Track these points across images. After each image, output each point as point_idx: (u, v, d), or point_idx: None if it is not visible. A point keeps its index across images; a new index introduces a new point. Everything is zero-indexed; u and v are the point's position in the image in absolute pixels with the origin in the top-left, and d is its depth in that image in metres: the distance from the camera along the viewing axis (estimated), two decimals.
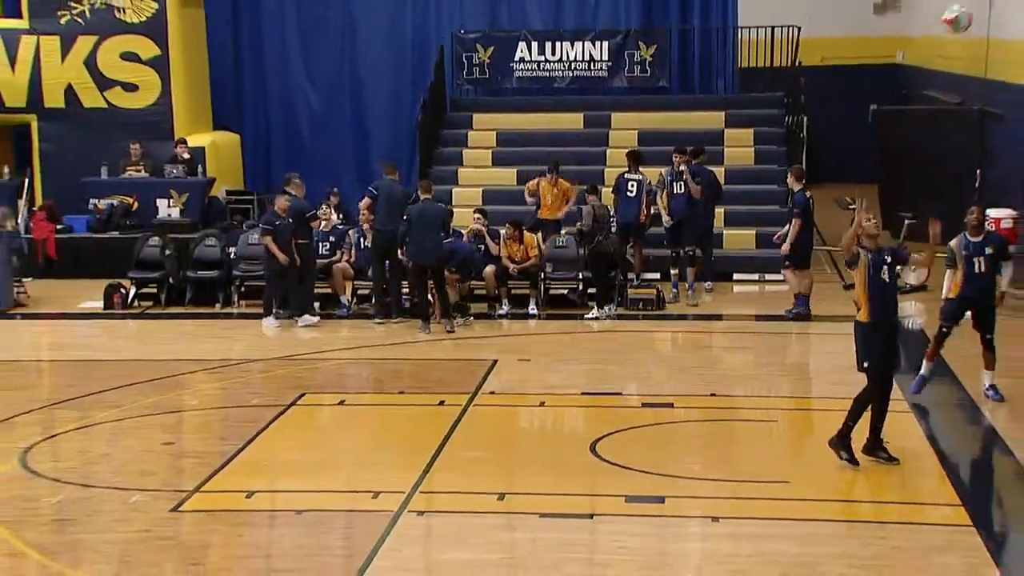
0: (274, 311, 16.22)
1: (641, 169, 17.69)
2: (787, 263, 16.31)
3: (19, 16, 21.26)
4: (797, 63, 22.30)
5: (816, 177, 25.80)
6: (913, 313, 16.64)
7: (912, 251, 11.48)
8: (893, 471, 10.20)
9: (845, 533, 9.02)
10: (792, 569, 8.29)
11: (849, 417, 10.22)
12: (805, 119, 21.36)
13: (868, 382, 10.25)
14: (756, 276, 18.67)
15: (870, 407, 10.22)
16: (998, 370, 12.25)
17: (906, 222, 18.72)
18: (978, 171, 20.38)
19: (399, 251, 15.85)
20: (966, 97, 21.84)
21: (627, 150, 18.54)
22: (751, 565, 8.37)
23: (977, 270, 11.97)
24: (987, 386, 12.22)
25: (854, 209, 18.44)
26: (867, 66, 28.28)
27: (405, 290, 16.45)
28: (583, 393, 13.08)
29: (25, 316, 17.25)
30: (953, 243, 12.16)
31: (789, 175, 16.76)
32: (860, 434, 10.26)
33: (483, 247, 16.72)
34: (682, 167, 17.26)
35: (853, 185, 22.29)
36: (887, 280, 10.25)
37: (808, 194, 16.18)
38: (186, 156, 20.62)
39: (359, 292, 17.13)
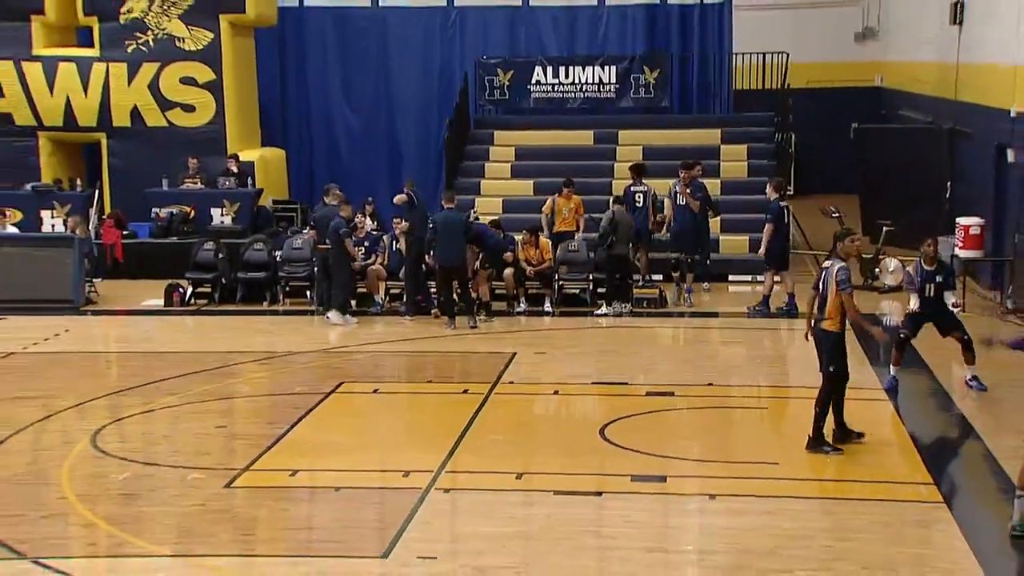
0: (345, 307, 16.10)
1: (644, 181, 17.63)
2: (768, 267, 16.39)
3: (91, 46, 21.31)
4: (786, 86, 22.25)
5: (803, 188, 25.82)
6: (890, 312, 16.53)
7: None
8: (871, 454, 10.14)
9: (830, 509, 8.97)
10: (783, 541, 8.25)
11: (817, 420, 10.15)
12: (793, 136, 21.34)
13: (829, 383, 10.16)
14: (749, 277, 18.58)
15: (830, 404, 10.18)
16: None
17: (884, 229, 18.61)
18: (948, 184, 20.29)
19: (427, 256, 15.83)
20: (938, 117, 21.72)
21: (630, 164, 18.48)
22: (746, 538, 8.32)
23: (927, 294, 12.17)
24: (969, 377, 12.13)
25: (837, 217, 18.60)
26: (849, 88, 28.17)
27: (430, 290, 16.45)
28: (593, 383, 13.05)
29: (95, 312, 17.27)
30: (910, 268, 12.50)
31: (768, 186, 16.79)
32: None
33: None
34: (687, 180, 17.13)
35: (836, 196, 22.21)
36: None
37: (783, 204, 16.28)
38: (237, 170, 20.64)
39: (391, 291, 17.10)
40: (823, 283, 10.15)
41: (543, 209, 17.99)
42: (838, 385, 10.20)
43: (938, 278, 12.17)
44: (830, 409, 10.19)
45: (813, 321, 10.29)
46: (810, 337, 10.37)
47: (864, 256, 18.30)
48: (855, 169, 23.52)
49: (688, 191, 16.96)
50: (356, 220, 17.13)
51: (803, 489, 9.45)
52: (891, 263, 17.79)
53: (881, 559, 7.97)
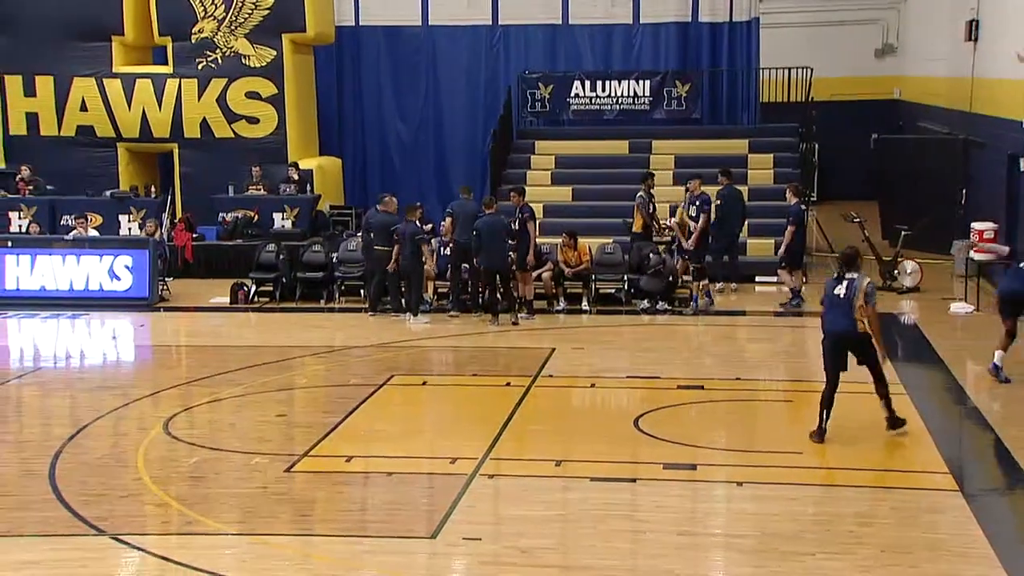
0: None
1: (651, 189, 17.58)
2: (783, 264, 16.28)
3: (166, 63, 21.53)
4: (810, 99, 22.05)
5: (825, 195, 25.61)
6: (908, 311, 16.39)
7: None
8: (890, 444, 10.03)
9: (851, 496, 8.88)
10: (807, 526, 8.19)
11: (888, 405, 10.16)
12: (816, 146, 21.15)
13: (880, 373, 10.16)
14: (775, 279, 18.41)
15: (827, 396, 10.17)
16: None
17: (902, 234, 18.41)
18: (963, 190, 20.05)
19: (474, 260, 15.82)
20: (953, 128, 21.47)
21: (642, 172, 18.38)
22: (772, 522, 8.26)
23: None
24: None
25: (858, 222, 18.42)
26: (869, 101, 27.90)
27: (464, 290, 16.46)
28: (627, 376, 12.98)
29: (167, 309, 17.40)
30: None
31: (787, 190, 16.66)
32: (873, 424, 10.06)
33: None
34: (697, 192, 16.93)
35: (857, 202, 22.00)
36: None
37: (803, 206, 16.17)
38: (297, 177, 20.75)
39: (439, 290, 17.12)
40: (848, 292, 9.97)
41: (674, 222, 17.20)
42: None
43: None
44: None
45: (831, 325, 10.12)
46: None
47: (883, 259, 18.15)
48: (875, 177, 23.30)
49: (696, 204, 16.72)
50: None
51: (825, 477, 9.37)
52: (908, 265, 17.61)
53: (899, 543, 7.88)
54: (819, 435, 10.04)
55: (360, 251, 17.20)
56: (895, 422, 10.23)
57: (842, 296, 9.98)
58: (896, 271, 17.69)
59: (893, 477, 9.34)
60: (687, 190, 17.15)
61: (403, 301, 16.03)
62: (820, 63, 23.49)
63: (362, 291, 17.36)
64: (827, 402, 10.09)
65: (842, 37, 28.16)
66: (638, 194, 17.42)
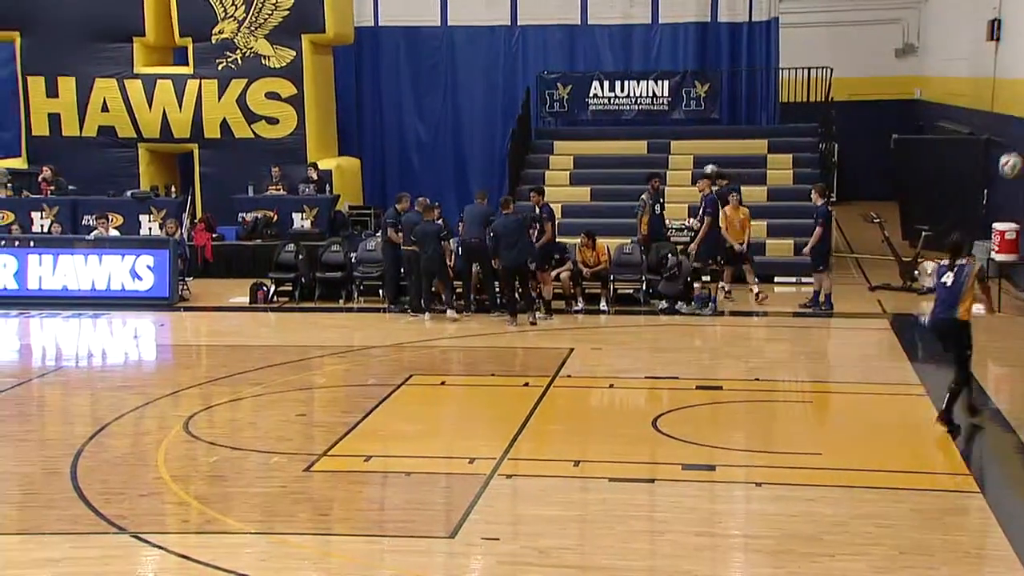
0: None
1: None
2: (820, 268, 16.14)
3: (186, 64, 21.64)
4: (829, 99, 21.98)
5: (845, 195, 25.50)
6: (928, 312, 16.27)
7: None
8: (910, 445, 9.98)
9: (870, 497, 8.84)
10: (826, 527, 8.16)
11: (951, 400, 10.30)
12: (836, 146, 21.07)
13: (965, 366, 10.33)
14: (794, 279, 18.39)
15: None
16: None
17: (923, 234, 18.33)
18: (984, 191, 19.93)
19: (493, 259, 15.85)
20: (974, 128, 21.34)
21: (647, 172, 18.24)
22: (790, 523, 8.23)
23: None
24: None
25: (878, 222, 18.34)
26: (889, 101, 27.78)
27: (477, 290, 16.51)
28: (646, 377, 12.97)
29: (187, 309, 17.48)
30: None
31: (813, 191, 16.59)
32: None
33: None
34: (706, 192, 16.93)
35: (877, 203, 21.92)
36: None
37: (829, 207, 16.15)
38: (316, 177, 20.82)
39: (456, 290, 17.12)
40: (958, 279, 10.18)
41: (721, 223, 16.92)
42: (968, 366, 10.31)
43: None
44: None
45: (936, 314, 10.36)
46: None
47: (904, 260, 18.06)
48: (895, 177, 23.19)
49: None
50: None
51: (845, 478, 9.31)
52: (929, 266, 17.49)
53: (918, 545, 7.84)
54: (944, 420, 10.20)
55: (380, 251, 17.22)
56: (949, 422, 10.22)
57: (949, 284, 10.11)
58: (916, 272, 17.61)
59: (913, 478, 9.28)
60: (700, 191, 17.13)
61: (422, 301, 16.09)
62: (840, 63, 23.43)
63: (380, 291, 17.41)
64: (956, 391, 10.20)
65: (862, 37, 28.04)
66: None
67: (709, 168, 18.65)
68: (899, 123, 25.15)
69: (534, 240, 15.96)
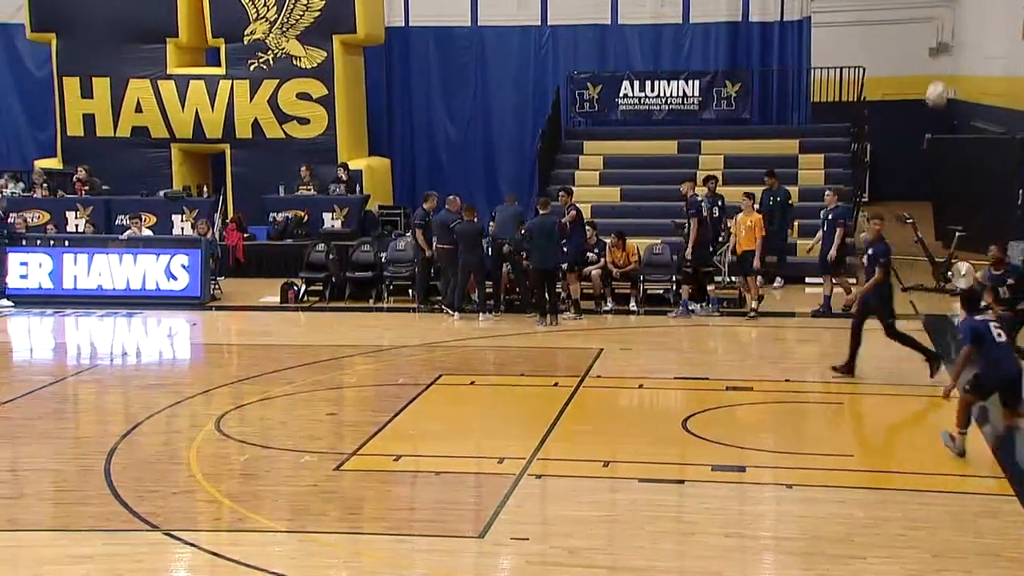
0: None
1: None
2: (841, 271, 16.01)
3: (218, 65, 21.80)
4: (862, 98, 21.83)
5: (878, 195, 25.30)
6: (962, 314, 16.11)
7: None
8: (943, 448, 9.88)
9: (902, 499, 8.77)
10: (857, 529, 8.10)
11: None
12: (868, 146, 20.92)
13: None
14: (819, 280, 18.23)
15: None
16: None
17: (956, 235, 18.17)
18: (1019, 191, 19.73)
19: (523, 259, 15.87)
20: (1009, 128, 21.12)
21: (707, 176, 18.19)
22: (820, 525, 8.19)
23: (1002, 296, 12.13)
24: None
25: (910, 223, 18.19)
26: (923, 101, 27.47)
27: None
28: (675, 377, 12.93)
29: (219, 308, 17.61)
30: (979, 275, 12.22)
31: (828, 194, 16.48)
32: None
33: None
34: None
35: (910, 203, 21.73)
36: None
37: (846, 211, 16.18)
38: (346, 177, 20.91)
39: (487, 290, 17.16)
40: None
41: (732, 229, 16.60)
42: None
43: (1008, 280, 12.20)
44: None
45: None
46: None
47: (937, 260, 17.92)
48: (928, 177, 22.99)
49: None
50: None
51: (876, 480, 9.26)
52: (963, 267, 17.36)
53: (951, 548, 7.78)
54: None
55: (411, 251, 17.30)
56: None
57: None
58: (950, 273, 17.46)
59: (946, 481, 9.20)
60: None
61: (455, 300, 16.14)
62: (873, 62, 23.25)
63: (410, 291, 17.46)
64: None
65: (895, 36, 27.81)
66: (697, 199, 16.66)
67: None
68: (933, 123, 24.91)
69: (570, 241, 15.92)
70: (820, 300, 16.27)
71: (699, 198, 16.64)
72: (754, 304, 15.82)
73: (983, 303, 10.28)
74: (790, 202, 18.32)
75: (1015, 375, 9.50)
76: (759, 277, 16.02)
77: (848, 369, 12.28)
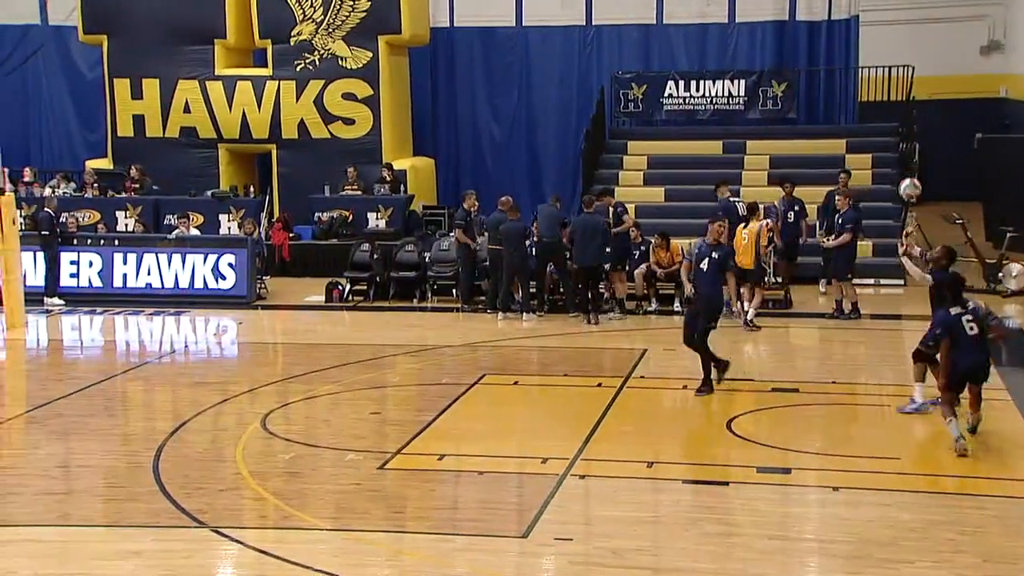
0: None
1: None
2: (848, 276, 15.68)
3: (265, 66, 22.00)
4: (911, 98, 21.58)
5: (926, 196, 24.87)
6: (1013, 315, 15.93)
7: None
8: (993, 452, 9.76)
9: (951, 503, 8.68)
10: (904, 533, 8.02)
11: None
12: (917, 146, 20.67)
13: None
14: (872, 280, 18.09)
15: None
16: None
17: (1008, 235, 17.91)
18: None
19: (566, 258, 15.86)
20: None
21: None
22: (867, 528, 8.11)
23: None
24: None
25: (960, 223, 17.97)
26: (973, 100, 27.11)
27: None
28: (720, 378, 12.86)
29: (264, 307, 17.77)
30: None
31: (837, 197, 16.26)
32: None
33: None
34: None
35: (960, 203, 21.44)
36: None
37: (855, 212, 15.90)
38: (391, 177, 21.00)
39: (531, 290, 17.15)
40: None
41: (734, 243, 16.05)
42: None
43: None
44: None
45: None
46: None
47: (987, 261, 17.68)
48: (978, 177, 22.68)
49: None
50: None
51: (924, 484, 9.17)
52: (1014, 268, 17.14)
53: (1002, 553, 7.68)
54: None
55: (454, 251, 17.33)
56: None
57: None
58: (1000, 274, 17.23)
59: (996, 485, 9.08)
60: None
61: (500, 300, 16.16)
62: (922, 61, 22.95)
63: (454, 291, 17.51)
64: None
65: (946, 34, 27.41)
66: (730, 202, 16.68)
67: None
68: (983, 122, 24.55)
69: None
70: (869, 300, 16.16)
71: (735, 200, 16.55)
72: (751, 314, 15.31)
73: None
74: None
75: (982, 364, 9.75)
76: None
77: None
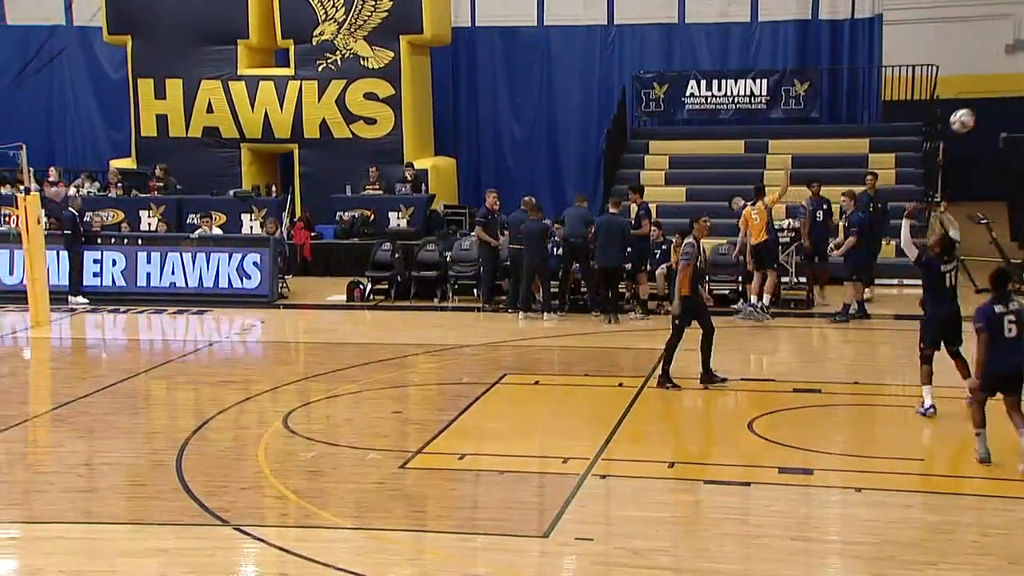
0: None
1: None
2: (854, 277, 15.53)
3: (287, 66, 22.08)
4: (935, 97, 21.44)
5: (951, 196, 24.73)
6: None
7: None
8: (1019, 454, 9.66)
9: (976, 505, 8.62)
10: (927, 534, 7.97)
11: None
12: (942, 145, 20.54)
13: None
14: (895, 281, 17.99)
15: None
16: None
17: None
18: None
19: (588, 257, 15.86)
20: None
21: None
22: (889, 529, 8.06)
23: None
24: None
25: (985, 223, 17.84)
26: (999, 99, 26.86)
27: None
28: (741, 379, 12.76)
29: (286, 306, 17.85)
30: None
31: (845, 197, 16.10)
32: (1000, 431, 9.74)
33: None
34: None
35: (985, 203, 21.27)
36: None
37: (861, 213, 15.74)
38: (412, 177, 21.04)
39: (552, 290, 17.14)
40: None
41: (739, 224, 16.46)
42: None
43: None
44: None
45: None
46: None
47: (1013, 262, 17.54)
48: (1004, 177, 22.51)
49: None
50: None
51: (948, 485, 9.10)
52: None
53: None
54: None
55: (476, 250, 17.35)
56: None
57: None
58: None
59: (1018, 486, 8.99)
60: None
61: (521, 299, 16.17)
62: (946, 60, 22.80)
63: (475, 290, 17.53)
64: None
65: (970, 33, 27.22)
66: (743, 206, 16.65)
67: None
68: (1009, 122, 24.37)
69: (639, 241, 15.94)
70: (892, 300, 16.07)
71: (746, 205, 16.50)
72: (766, 299, 15.48)
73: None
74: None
75: (1018, 367, 9.14)
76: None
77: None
